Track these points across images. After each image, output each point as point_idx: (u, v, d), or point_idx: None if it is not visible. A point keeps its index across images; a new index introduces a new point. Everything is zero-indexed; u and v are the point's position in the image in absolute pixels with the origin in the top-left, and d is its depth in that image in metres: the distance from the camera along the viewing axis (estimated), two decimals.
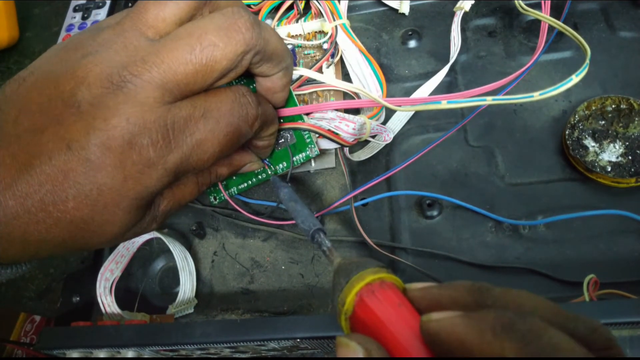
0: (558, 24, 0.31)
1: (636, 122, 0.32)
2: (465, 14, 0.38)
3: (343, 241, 0.33)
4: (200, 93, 0.22)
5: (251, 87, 0.27)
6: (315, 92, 0.36)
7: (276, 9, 0.40)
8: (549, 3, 0.33)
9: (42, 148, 0.19)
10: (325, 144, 0.32)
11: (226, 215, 0.35)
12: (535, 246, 0.30)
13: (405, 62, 0.39)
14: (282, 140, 0.30)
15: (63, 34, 0.48)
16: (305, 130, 0.30)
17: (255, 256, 0.34)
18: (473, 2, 0.37)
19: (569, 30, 0.30)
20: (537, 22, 0.33)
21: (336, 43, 0.37)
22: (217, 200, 0.33)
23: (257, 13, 0.41)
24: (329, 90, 0.36)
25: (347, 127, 0.30)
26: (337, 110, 0.31)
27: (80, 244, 0.22)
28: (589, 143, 0.32)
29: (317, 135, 0.30)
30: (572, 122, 0.32)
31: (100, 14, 0.48)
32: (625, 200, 0.30)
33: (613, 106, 0.32)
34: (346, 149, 0.34)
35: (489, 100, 0.27)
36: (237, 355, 0.30)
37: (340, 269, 0.18)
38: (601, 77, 0.35)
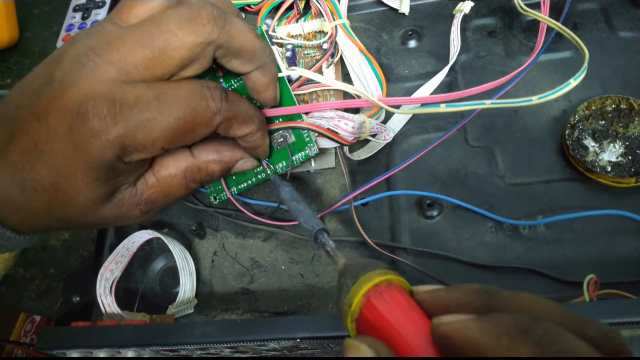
0: (557, 25, 0.31)
1: (636, 122, 0.32)
2: (465, 14, 0.38)
3: (343, 241, 0.33)
4: (163, 80, 0.23)
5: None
6: (315, 92, 0.36)
7: (276, 8, 0.40)
8: (548, 3, 0.33)
9: (22, 121, 0.22)
10: (325, 143, 0.32)
11: (226, 215, 0.35)
12: (535, 246, 0.30)
13: (405, 62, 0.39)
14: (281, 139, 0.30)
15: (63, 34, 0.48)
16: (304, 129, 0.29)
17: (255, 256, 0.34)
18: (472, 4, 0.37)
19: (567, 31, 0.30)
20: (537, 22, 0.33)
21: (336, 43, 0.37)
22: (218, 200, 0.33)
23: (257, 13, 0.41)
24: (328, 90, 0.36)
25: (346, 125, 0.30)
26: (336, 109, 0.31)
27: (61, 213, 0.23)
28: (589, 143, 0.32)
29: (316, 134, 0.30)
30: (572, 122, 0.32)
31: (100, 14, 0.48)
32: (625, 200, 0.30)
33: (613, 106, 0.32)
34: (346, 148, 0.34)
35: (488, 103, 0.27)
36: (237, 355, 0.30)
37: (347, 270, 0.18)
38: (601, 77, 0.35)
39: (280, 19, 0.40)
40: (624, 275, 0.28)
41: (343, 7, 0.40)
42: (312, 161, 0.34)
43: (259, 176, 0.31)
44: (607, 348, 0.14)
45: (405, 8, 0.40)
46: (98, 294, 0.31)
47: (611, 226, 0.30)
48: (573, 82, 0.25)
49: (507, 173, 0.33)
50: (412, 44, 0.39)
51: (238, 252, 0.35)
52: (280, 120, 0.29)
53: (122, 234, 0.36)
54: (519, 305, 0.15)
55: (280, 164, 0.31)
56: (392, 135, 0.34)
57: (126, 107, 0.21)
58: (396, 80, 0.38)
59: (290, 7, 0.40)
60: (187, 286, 0.33)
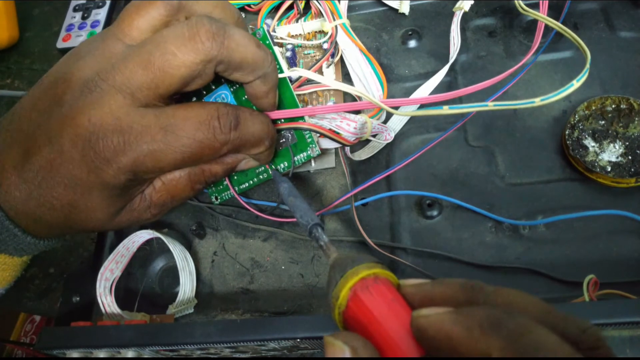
0: (558, 26, 0.31)
1: (636, 122, 0.32)
2: (465, 13, 0.38)
3: (343, 241, 0.33)
4: (172, 104, 0.24)
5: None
6: (316, 92, 0.36)
7: (276, 8, 0.40)
8: (546, 3, 0.33)
9: (37, 141, 0.23)
10: (326, 144, 0.32)
11: (226, 215, 0.35)
12: (535, 246, 0.30)
13: (405, 62, 0.39)
14: (283, 140, 0.30)
15: (63, 34, 0.48)
16: (306, 130, 0.29)
17: (255, 256, 0.34)
18: (472, 2, 0.37)
19: (568, 32, 0.30)
20: (537, 22, 0.33)
21: (336, 43, 0.37)
22: (219, 200, 0.33)
23: (257, 13, 0.41)
24: (328, 90, 0.36)
25: (348, 126, 0.30)
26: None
27: (79, 225, 0.25)
28: (589, 143, 0.32)
29: (318, 134, 0.30)
30: (572, 122, 0.32)
31: (100, 14, 0.48)
32: (625, 200, 0.30)
33: (613, 106, 0.32)
34: (347, 149, 0.34)
35: (491, 105, 0.27)
36: (237, 355, 0.30)
37: (336, 263, 0.19)
38: (601, 77, 0.35)
39: (280, 19, 0.40)
40: (624, 275, 0.28)
41: (343, 7, 0.40)
42: (313, 161, 0.34)
43: (261, 176, 0.31)
44: (584, 344, 0.14)
45: (405, 8, 0.40)
46: (98, 294, 0.31)
47: (611, 226, 0.30)
48: (576, 84, 0.25)
49: (507, 173, 0.33)
50: (412, 44, 0.39)
51: (238, 252, 0.35)
52: (283, 121, 0.29)
53: (122, 234, 0.36)
54: (501, 300, 0.16)
55: (282, 164, 0.31)
56: (392, 135, 0.34)
57: (134, 138, 0.22)
58: (396, 80, 0.38)
59: (290, 7, 0.40)
60: (187, 286, 0.33)
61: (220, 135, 0.24)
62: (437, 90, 0.36)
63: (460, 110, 0.27)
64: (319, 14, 0.39)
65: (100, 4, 0.49)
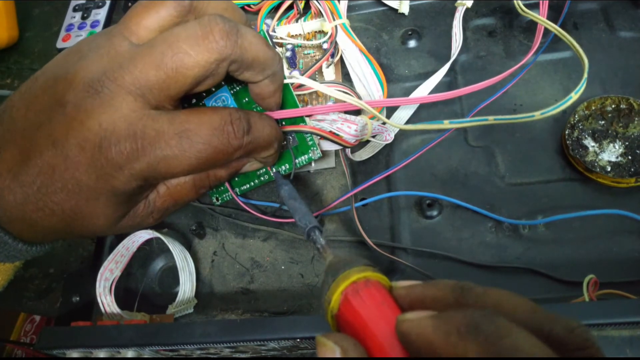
0: (556, 29, 0.30)
1: (636, 122, 0.32)
2: (466, 13, 0.38)
3: (343, 241, 0.33)
4: (185, 109, 0.23)
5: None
6: (315, 92, 0.36)
7: (276, 8, 0.40)
8: (546, 4, 0.33)
9: (37, 143, 0.21)
10: (327, 145, 0.32)
11: (226, 215, 0.35)
12: (535, 246, 0.30)
13: (405, 62, 0.39)
14: (285, 142, 0.30)
15: (63, 34, 0.48)
16: (307, 132, 0.29)
17: (255, 256, 0.34)
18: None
19: (566, 37, 0.30)
20: (537, 22, 0.33)
21: (336, 43, 0.37)
22: (220, 201, 0.33)
23: (256, 13, 0.41)
24: None
25: (349, 128, 0.30)
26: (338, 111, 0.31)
27: (79, 231, 0.24)
28: (589, 143, 0.32)
29: (319, 136, 0.30)
30: (572, 122, 0.32)
31: (100, 14, 0.48)
32: (625, 200, 0.30)
33: (613, 106, 0.32)
34: (348, 150, 0.34)
35: (491, 119, 0.27)
36: (237, 355, 0.30)
37: (329, 267, 0.19)
38: (601, 77, 0.35)
39: (280, 19, 0.40)
40: (624, 275, 0.28)
41: (343, 7, 0.40)
42: (313, 162, 0.34)
43: (262, 178, 0.31)
44: (572, 344, 0.14)
45: (405, 8, 0.40)
46: (98, 293, 0.31)
47: (611, 226, 0.30)
48: (574, 96, 0.26)
49: (507, 173, 0.33)
50: (412, 44, 0.39)
51: (238, 252, 0.35)
52: (284, 123, 0.29)
53: (122, 234, 0.36)
54: (490, 301, 0.16)
55: (283, 167, 0.31)
56: (393, 135, 0.34)
57: (148, 144, 0.21)
58: (396, 80, 0.38)
59: (290, 7, 0.40)
60: (187, 286, 0.33)
61: (234, 141, 0.23)
62: (437, 90, 0.36)
63: (461, 125, 0.28)
64: (319, 14, 0.39)
65: (100, 4, 0.49)
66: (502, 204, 0.32)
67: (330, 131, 0.30)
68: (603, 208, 0.29)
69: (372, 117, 0.33)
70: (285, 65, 0.37)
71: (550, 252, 0.30)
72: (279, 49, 0.39)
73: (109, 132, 0.21)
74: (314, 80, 0.36)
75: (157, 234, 0.33)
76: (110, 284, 0.32)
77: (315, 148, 0.30)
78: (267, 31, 0.39)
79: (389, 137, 0.33)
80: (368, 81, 0.35)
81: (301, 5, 0.40)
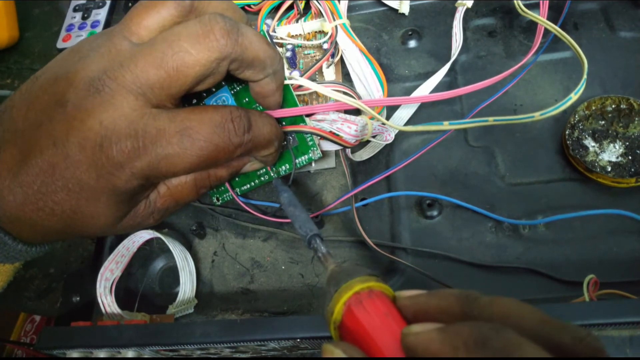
0: (556, 29, 0.30)
1: (636, 122, 0.32)
2: (466, 13, 0.38)
3: (343, 241, 0.33)
4: (185, 108, 0.23)
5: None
6: (315, 92, 0.36)
7: (276, 9, 0.40)
8: (546, 4, 0.33)
9: (37, 143, 0.21)
10: (328, 146, 0.32)
11: (226, 215, 0.35)
12: (535, 246, 0.30)
13: (405, 62, 0.39)
14: (285, 142, 0.30)
15: (63, 34, 0.48)
16: (307, 133, 0.29)
17: (255, 256, 0.34)
18: None
19: (566, 37, 0.30)
20: (537, 22, 0.33)
21: (336, 43, 0.37)
22: (220, 201, 0.33)
23: (257, 13, 0.41)
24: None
25: (349, 128, 0.30)
26: (337, 111, 0.31)
27: (79, 231, 0.24)
28: (589, 143, 0.32)
29: (319, 137, 0.30)
30: (572, 122, 0.32)
31: (100, 14, 0.48)
32: (625, 200, 0.30)
33: (613, 106, 0.32)
34: (348, 150, 0.34)
35: (491, 120, 0.27)
36: (237, 355, 0.30)
37: (331, 277, 0.19)
38: (601, 77, 0.35)
39: (280, 19, 0.40)
40: (624, 275, 0.28)
41: (343, 7, 0.40)
42: (313, 162, 0.34)
43: (262, 178, 0.32)
44: (581, 354, 0.14)
45: (405, 8, 0.40)
46: (98, 293, 0.31)
47: (611, 226, 0.30)
48: (574, 96, 0.26)
49: (507, 173, 0.33)
50: (412, 44, 0.39)
51: (238, 252, 0.35)
52: (284, 124, 0.29)
53: (123, 234, 0.36)
54: (496, 311, 0.15)
55: (283, 167, 0.31)
56: (393, 135, 0.34)
57: (149, 142, 0.21)
58: (396, 80, 0.38)
59: (290, 7, 0.40)
60: (187, 286, 0.33)
61: (235, 138, 0.23)
62: (437, 91, 0.36)
63: (460, 126, 0.28)
64: (319, 14, 0.39)
65: (100, 4, 0.49)
66: (502, 204, 0.32)
67: (331, 131, 0.30)
68: (603, 208, 0.29)
69: (372, 117, 0.33)
70: (285, 66, 0.37)
71: (550, 252, 0.30)
72: (279, 49, 0.39)
73: (110, 131, 0.21)
74: (314, 80, 0.36)
75: (157, 234, 0.33)
76: (110, 284, 0.32)
77: (315, 148, 0.30)
78: (268, 31, 0.39)
79: (389, 137, 0.33)
80: (368, 81, 0.35)
81: (301, 5, 0.40)
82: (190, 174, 0.26)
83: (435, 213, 0.32)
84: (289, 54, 0.36)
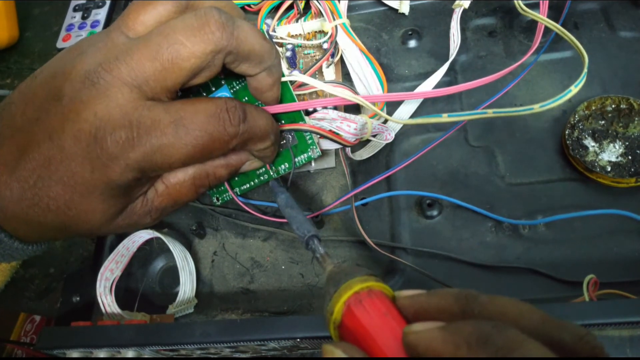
0: (556, 27, 0.30)
1: (636, 122, 0.32)
2: (465, 13, 0.38)
3: (343, 241, 0.33)
4: (180, 99, 0.23)
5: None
6: (315, 92, 0.36)
7: (276, 8, 0.40)
8: (546, 3, 0.33)
9: (34, 137, 0.21)
10: (327, 145, 0.32)
11: (226, 215, 0.35)
12: (535, 246, 0.30)
13: (405, 61, 0.39)
14: (284, 141, 0.30)
15: (63, 33, 0.48)
16: (306, 131, 0.29)
17: (255, 256, 0.34)
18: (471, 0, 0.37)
19: (566, 34, 0.30)
20: (537, 22, 0.33)
21: (336, 43, 0.37)
22: (220, 201, 0.33)
23: (257, 13, 0.41)
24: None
25: (348, 127, 0.30)
26: (336, 109, 0.31)
27: (75, 228, 0.23)
28: (589, 143, 0.32)
29: (318, 135, 0.30)
30: (572, 122, 0.32)
31: (100, 14, 0.48)
32: (625, 200, 0.30)
33: (613, 106, 0.32)
34: (348, 149, 0.34)
35: (490, 112, 0.27)
36: (237, 355, 0.30)
37: (330, 277, 0.19)
38: (601, 77, 0.35)
39: (280, 19, 0.40)
40: (624, 275, 0.28)
41: (343, 7, 0.40)
42: (313, 161, 0.34)
43: (262, 177, 0.31)
44: (581, 352, 0.14)
45: (405, 8, 0.40)
46: (98, 293, 0.31)
47: (611, 226, 0.30)
48: (574, 89, 0.26)
49: (507, 173, 0.33)
50: (412, 43, 0.39)
51: (238, 252, 0.35)
52: (283, 122, 0.29)
53: (122, 233, 0.36)
54: (495, 310, 0.15)
55: (282, 166, 0.31)
56: (393, 134, 0.34)
57: (144, 132, 0.21)
58: (396, 80, 0.38)
59: (290, 7, 0.40)
60: (187, 286, 0.33)
61: (230, 128, 0.23)
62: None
63: (459, 117, 0.28)
64: (319, 14, 0.39)
65: (100, 4, 0.49)
66: (502, 204, 0.32)
67: (330, 130, 0.30)
68: (603, 208, 0.29)
69: (373, 116, 0.33)
70: (285, 66, 0.37)
71: (550, 252, 0.30)
72: (279, 49, 0.39)
73: (104, 122, 0.21)
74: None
75: (157, 234, 0.33)
76: (110, 284, 0.32)
77: (314, 147, 0.30)
78: (267, 31, 0.39)
79: (390, 137, 0.33)
80: (368, 81, 0.35)
81: (301, 5, 0.40)
82: (188, 173, 0.26)
83: (435, 213, 0.32)
84: (289, 53, 0.36)
